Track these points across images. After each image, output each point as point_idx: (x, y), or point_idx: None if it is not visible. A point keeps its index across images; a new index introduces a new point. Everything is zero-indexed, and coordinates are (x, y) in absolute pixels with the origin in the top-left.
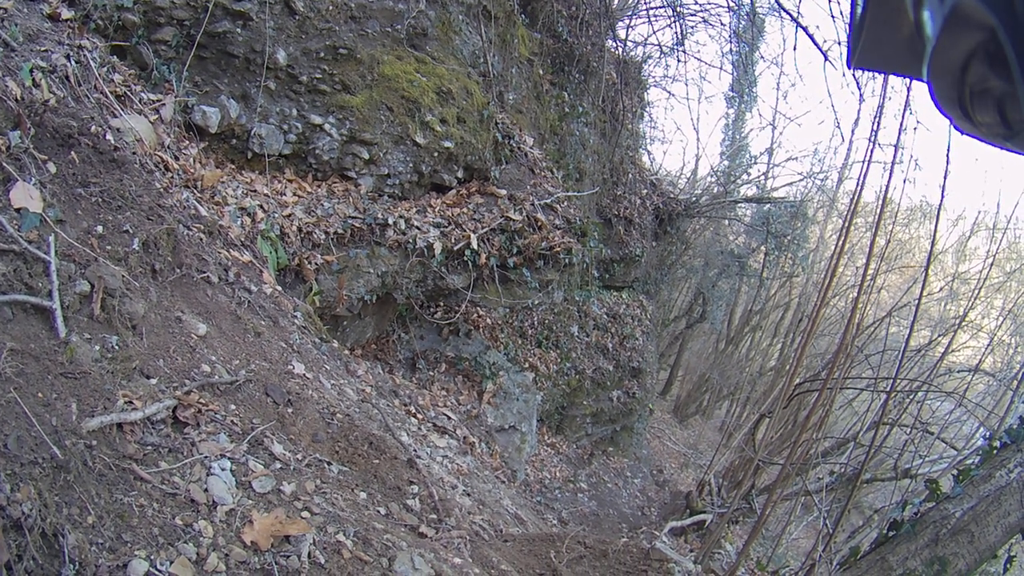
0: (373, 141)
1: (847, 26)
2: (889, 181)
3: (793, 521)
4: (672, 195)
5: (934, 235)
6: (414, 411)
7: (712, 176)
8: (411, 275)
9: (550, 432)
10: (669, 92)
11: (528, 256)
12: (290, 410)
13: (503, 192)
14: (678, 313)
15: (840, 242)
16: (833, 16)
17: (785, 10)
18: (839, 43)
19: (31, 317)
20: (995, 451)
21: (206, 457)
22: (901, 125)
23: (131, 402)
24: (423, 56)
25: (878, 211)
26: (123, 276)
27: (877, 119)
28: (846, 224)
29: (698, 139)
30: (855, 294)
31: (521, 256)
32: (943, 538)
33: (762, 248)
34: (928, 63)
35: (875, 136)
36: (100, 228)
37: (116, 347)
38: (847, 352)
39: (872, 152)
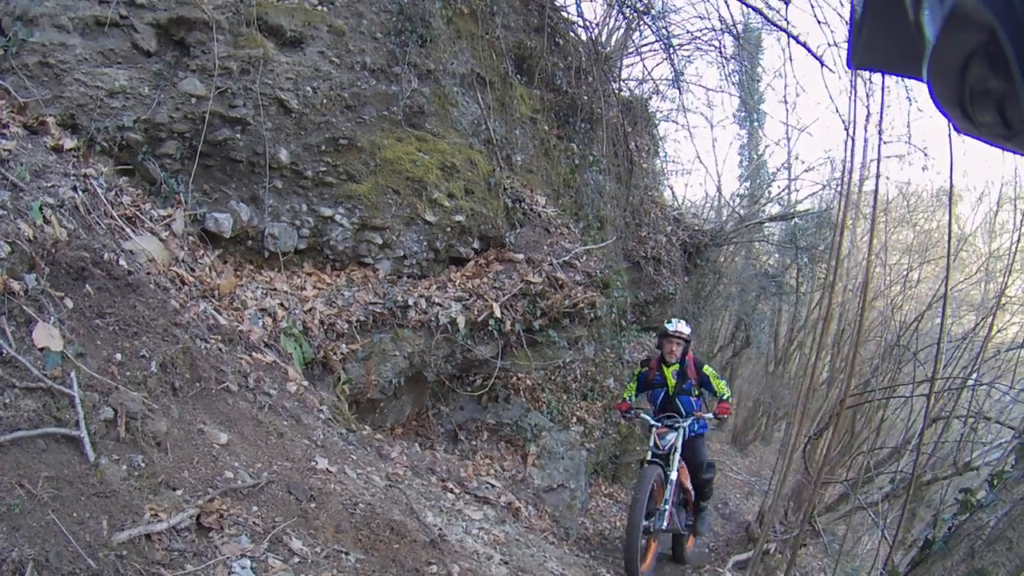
0: (384, 226)
1: (847, 27)
2: (876, 186)
3: (865, 533)
4: (697, 227)
5: (950, 224)
6: (452, 486)
7: (735, 200)
8: (438, 352)
9: (606, 482)
10: (679, 124)
11: (552, 316)
12: (313, 505)
13: (520, 256)
14: (723, 343)
15: (869, 244)
16: (819, 21)
17: (774, 23)
18: (832, 45)
19: (63, 446)
20: None
21: (228, 558)
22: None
23: (157, 514)
24: (423, 134)
25: (872, 212)
26: (143, 399)
27: (880, 117)
28: (871, 226)
29: (716, 165)
30: (893, 292)
31: (546, 317)
32: (979, 550)
33: (795, 264)
34: (928, 63)
35: (880, 133)
36: (119, 356)
37: (142, 464)
38: (886, 364)
39: (880, 149)
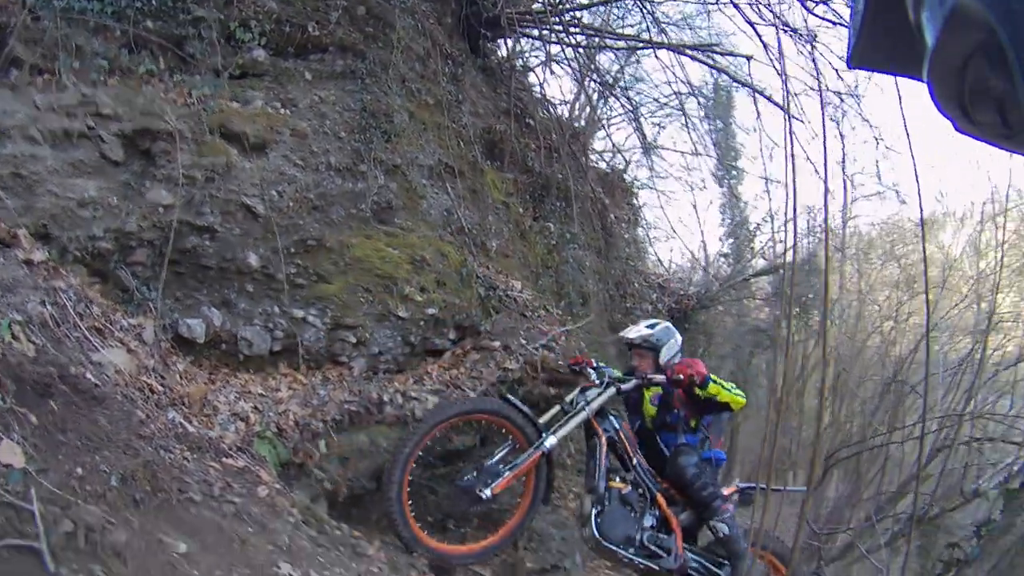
0: (357, 324)
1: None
2: (826, 225)
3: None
4: (683, 292)
5: (924, 254)
6: None
7: (719, 260)
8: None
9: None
10: (657, 191)
11: (531, 401)
12: None
13: (496, 344)
14: None
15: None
16: (780, 73)
17: (740, 81)
18: (796, 94)
19: (25, 556)
20: (1015, 493)
21: None
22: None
23: None
24: (392, 229)
25: (825, 258)
26: (103, 512)
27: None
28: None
29: (699, 226)
30: (886, 329)
31: (526, 402)
32: None
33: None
34: (928, 63)
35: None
36: (80, 470)
37: (101, 575)
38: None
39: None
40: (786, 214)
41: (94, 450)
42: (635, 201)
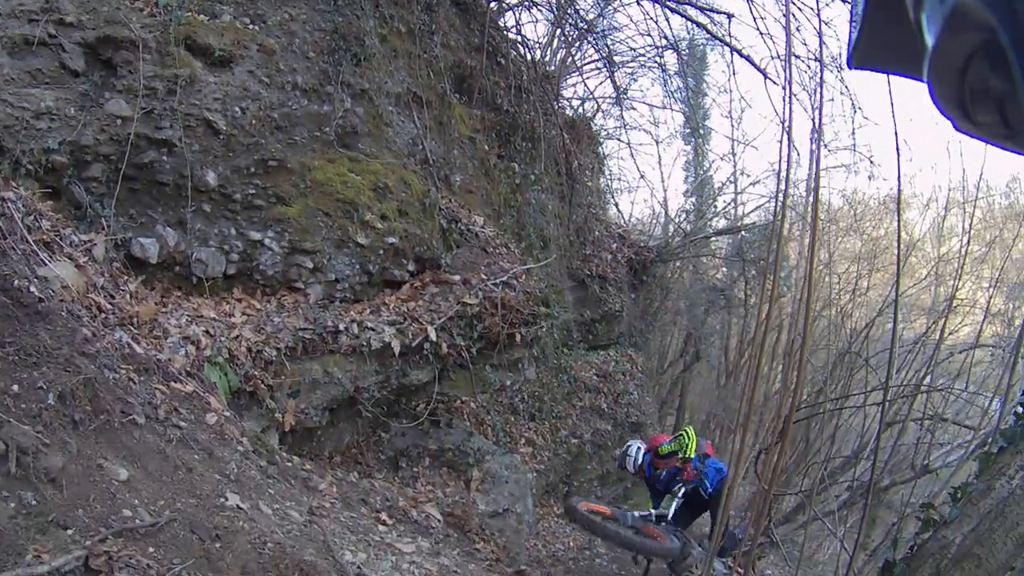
0: (315, 249)
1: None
2: (816, 184)
3: (825, 540)
4: (643, 244)
5: (899, 230)
6: (385, 517)
7: (681, 216)
8: (372, 378)
9: (558, 503)
10: (624, 142)
11: (490, 338)
12: (217, 545)
13: (456, 278)
14: (673, 358)
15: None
16: (762, 33)
17: (717, 38)
18: (775, 58)
19: None
20: (992, 457)
21: None
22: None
23: (40, 556)
24: (355, 155)
25: (811, 230)
26: (37, 433)
27: (817, 129)
28: (812, 237)
29: (662, 181)
30: (843, 301)
31: (483, 339)
32: (946, 570)
33: (743, 276)
34: (928, 63)
35: (818, 142)
36: (16, 387)
37: (33, 502)
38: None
39: (818, 158)
40: (777, 187)
41: (32, 366)
42: (601, 150)
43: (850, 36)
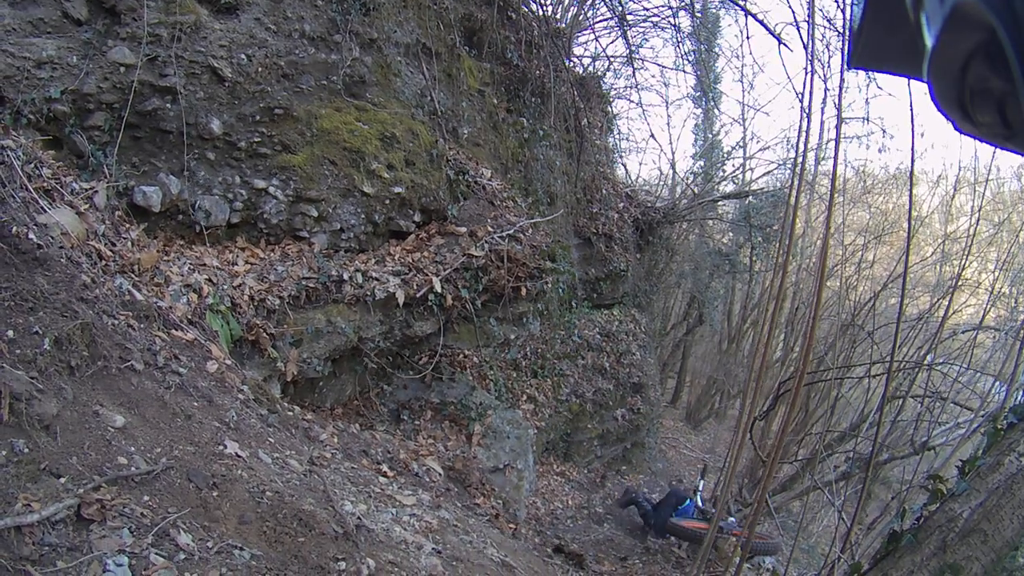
0: (320, 198)
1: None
2: (835, 159)
3: (821, 510)
4: (650, 204)
5: (910, 200)
6: (385, 469)
7: (689, 178)
8: (375, 328)
9: (558, 461)
10: (634, 102)
11: (495, 291)
12: (215, 493)
13: (462, 230)
14: (676, 320)
15: (826, 224)
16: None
17: (733, 1)
18: (791, 24)
19: None
20: (1002, 433)
21: (104, 554)
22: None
23: (30, 504)
24: (363, 104)
25: (830, 193)
26: (32, 379)
27: (840, 95)
28: (829, 208)
29: (671, 143)
30: (848, 272)
31: (488, 292)
32: (952, 543)
33: (748, 242)
34: (928, 63)
35: (839, 110)
36: (11, 332)
37: (25, 449)
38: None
39: (839, 128)
40: (795, 161)
41: (28, 311)
42: (610, 109)
43: (850, 36)
